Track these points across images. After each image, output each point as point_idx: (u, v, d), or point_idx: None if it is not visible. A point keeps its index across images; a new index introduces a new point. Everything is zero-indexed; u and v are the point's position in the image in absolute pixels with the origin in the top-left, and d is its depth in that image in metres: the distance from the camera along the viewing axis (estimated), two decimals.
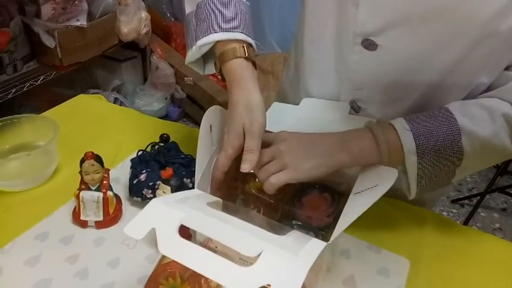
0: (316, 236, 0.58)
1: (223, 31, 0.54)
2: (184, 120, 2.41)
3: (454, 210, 1.98)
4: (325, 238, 0.60)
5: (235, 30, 0.54)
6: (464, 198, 2.00)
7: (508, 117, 0.51)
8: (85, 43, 1.79)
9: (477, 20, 0.48)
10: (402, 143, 0.51)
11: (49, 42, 1.66)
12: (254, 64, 0.55)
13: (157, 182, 0.62)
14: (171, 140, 0.73)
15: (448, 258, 0.62)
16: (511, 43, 0.50)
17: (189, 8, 0.60)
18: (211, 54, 0.59)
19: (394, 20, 0.53)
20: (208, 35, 0.54)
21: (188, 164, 0.67)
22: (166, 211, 0.39)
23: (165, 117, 2.36)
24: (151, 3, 2.35)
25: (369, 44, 0.56)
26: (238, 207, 0.54)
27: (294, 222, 0.59)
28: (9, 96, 1.64)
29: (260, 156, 0.51)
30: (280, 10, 2.53)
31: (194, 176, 0.52)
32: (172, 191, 0.55)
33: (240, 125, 0.51)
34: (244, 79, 0.53)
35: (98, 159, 0.60)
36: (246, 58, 0.54)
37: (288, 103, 0.75)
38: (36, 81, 1.73)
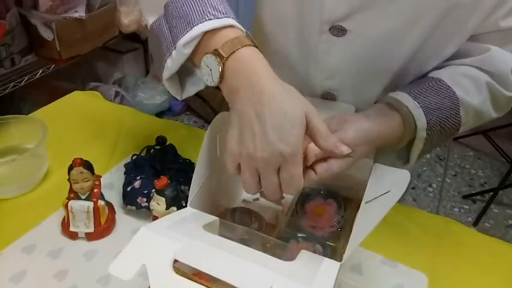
0: (324, 249, 0.54)
1: (214, 18, 0.43)
2: (188, 113, 2.36)
3: (466, 206, 1.92)
4: (334, 250, 0.55)
5: (224, 16, 0.44)
6: (476, 194, 1.94)
7: (490, 86, 0.55)
8: (84, 35, 1.74)
9: None
10: (416, 120, 0.51)
11: (47, 34, 1.60)
12: None
13: (153, 190, 0.57)
14: (168, 143, 0.69)
15: (468, 272, 0.56)
16: (474, 11, 0.51)
17: (152, 17, 0.50)
18: (188, 72, 0.52)
19: (361, 2, 0.52)
20: (191, 28, 0.43)
21: (186, 169, 0.62)
22: (157, 243, 0.34)
23: (168, 110, 2.31)
24: None
25: (337, 30, 0.56)
26: (237, 226, 0.49)
27: (298, 235, 0.54)
28: (7, 91, 1.60)
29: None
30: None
31: None
32: (167, 203, 0.50)
33: (303, 115, 0.41)
34: (267, 67, 0.42)
35: (88, 165, 0.55)
36: (254, 45, 0.44)
37: None
38: (35, 75, 1.69)
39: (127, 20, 1.92)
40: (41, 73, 1.70)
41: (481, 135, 2.10)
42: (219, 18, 0.43)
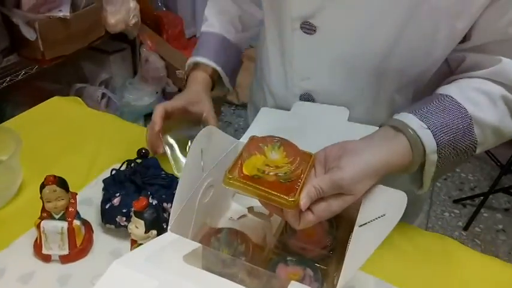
0: (315, 274, 0.50)
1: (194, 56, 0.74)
2: None
3: (456, 211, 1.91)
4: (325, 274, 0.52)
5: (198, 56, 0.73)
6: (466, 198, 1.93)
7: (507, 100, 0.51)
8: (69, 35, 1.68)
9: None
10: (424, 143, 0.47)
11: (29, 34, 1.55)
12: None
13: (133, 209, 0.54)
14: (150, 155, 0.65)
15: None
16: (458, 10, 0.49)
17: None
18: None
19: None
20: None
21: (169, 185, 0.59)
22: (132, 281, 0.31)
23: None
24: None
25: (308, 28, 0.56)
26: (222, 255, 0.45)
27: (287, 258, 0.51)
28: None
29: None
30: None
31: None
32: (146, 226, 0.47)
33: None
34: (202, 81, 0.71)
35: (61, 183, 0.52)
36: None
37: (255, 100, 0.79)
38: (17, 76, 1.63)
39: (114, 19, 1.87)
40: (23, 74, 1.64)
41: None
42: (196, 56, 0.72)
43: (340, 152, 0.46)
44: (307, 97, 0.65)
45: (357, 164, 0.44)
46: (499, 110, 0.51)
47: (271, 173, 0.43)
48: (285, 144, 0.48)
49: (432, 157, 0.48)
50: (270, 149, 0.46)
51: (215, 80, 0.74)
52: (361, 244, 0.42)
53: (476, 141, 0.50)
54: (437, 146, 0.48)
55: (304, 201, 0.42)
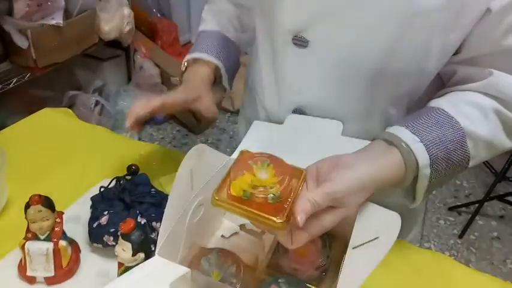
0: None
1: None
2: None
3: (451, 218, 1.91)
4: None
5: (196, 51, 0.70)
6: (461, 206, 1.93)
7: (499, 114, 0.51)
8: (62, 43, 1.67)
9: (398, 0, 0.48)
10: (417, 157, 0.47)
11: (21, 42, 1.53)
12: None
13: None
14: (142, 169, 0.64)
15: None
16: (450, 21, 0.48)
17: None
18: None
19: (321, 12, 0.53)
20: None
21: (159, 203, 0.58)
22: None
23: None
24: None
25: (300, 42, 0.56)
26: (211, 280, 0.44)
27: (279, 280, 0.50)
28: None
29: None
30: None
31: None
32: (134, 249, 0.45)
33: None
34: (205, 72, 0.68)
35: (47, 203, 0.50)
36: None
37: (246, 113, 0.77)
38: (9, 84, 1.61)
39: (108, 26, 1.86)
40: (15, 82, 1.63)
41: None
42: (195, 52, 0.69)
43: (332, 165, 0.45)
44: (299, 111, 0.64)
45: (349, 177, 0.44)
46: (491, 124, 0.51)
47: (259, 195, 0.42)
48: (274, 162, 0.47)
49: (425, 171, 0.48)
50: (259, 168, 0.45)
51: (216, 77, 0.70)
52: (355, 268, 0.41)
53: (469, 154, 0.50)
54: (430, 160, 0.47)
55: (300, 216, 0.41)
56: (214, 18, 0.74)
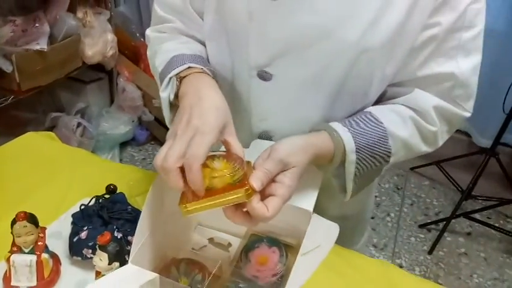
0: None
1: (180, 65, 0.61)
2: (152, 143, 2.35)
3: (422, 235, 2.00)
4: None
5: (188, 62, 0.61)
6: (431, 223, 2.03)
7: (415, 122, 0.61)
8: (46, 67, 1.72)
9: (349, 40, 0.56)
10: (344, 142, 0.56)
11: (5, 66, 1.58)
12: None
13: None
14: (120, 189, 0.70)
15: None
16: (388, 57, 0.58)
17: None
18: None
19: (280, 50, 0.59)
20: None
21: (134, 220, 0.63)
22: None
23: (133, 140, 2.30)
24: (119, 22, 2.30)
25: (264, 75, 0.62)
26: (178, 285, 0.50)
27: (240, 285, 0.56)
28: None
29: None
30: None
31: None
32: (110, 258, 0.51)
33: (219, 121, 0.51)
34: (210, 82, 0.58)
35: (32, 219, 0.56)
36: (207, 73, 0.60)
37: None
38: None
39: (91, 51, 1.92)
40: None
41: (435, 165, 2.22)
42: (184, 64, 0.60)
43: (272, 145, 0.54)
44: (265, 135, 0.70)
45: (290, 142, 0.53)
46: (409, 128, 0.61)
47: (219, 177, 0.46)
48: (224, 154, 0.51)
49: (351, 156, 0.57)
50: (211, 161, 0.49)
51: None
52: (300, 272, 0.48)
53: (390, 150, 0.60)
54: (356, 146, 0.57)
55: (256, 183, 0.46)
56: (183, 46, 0.66)
